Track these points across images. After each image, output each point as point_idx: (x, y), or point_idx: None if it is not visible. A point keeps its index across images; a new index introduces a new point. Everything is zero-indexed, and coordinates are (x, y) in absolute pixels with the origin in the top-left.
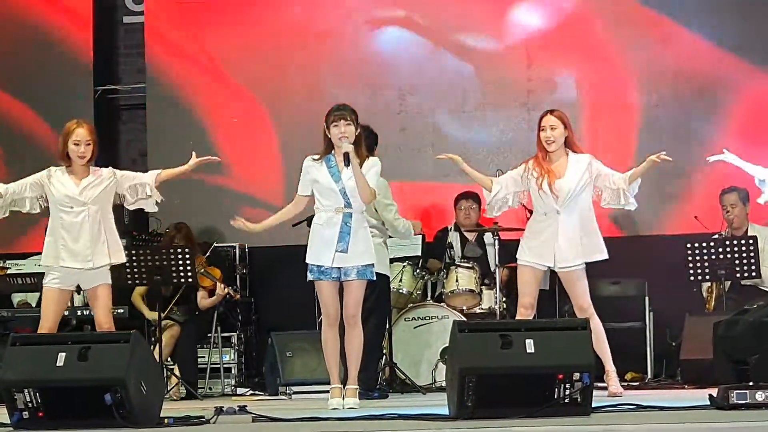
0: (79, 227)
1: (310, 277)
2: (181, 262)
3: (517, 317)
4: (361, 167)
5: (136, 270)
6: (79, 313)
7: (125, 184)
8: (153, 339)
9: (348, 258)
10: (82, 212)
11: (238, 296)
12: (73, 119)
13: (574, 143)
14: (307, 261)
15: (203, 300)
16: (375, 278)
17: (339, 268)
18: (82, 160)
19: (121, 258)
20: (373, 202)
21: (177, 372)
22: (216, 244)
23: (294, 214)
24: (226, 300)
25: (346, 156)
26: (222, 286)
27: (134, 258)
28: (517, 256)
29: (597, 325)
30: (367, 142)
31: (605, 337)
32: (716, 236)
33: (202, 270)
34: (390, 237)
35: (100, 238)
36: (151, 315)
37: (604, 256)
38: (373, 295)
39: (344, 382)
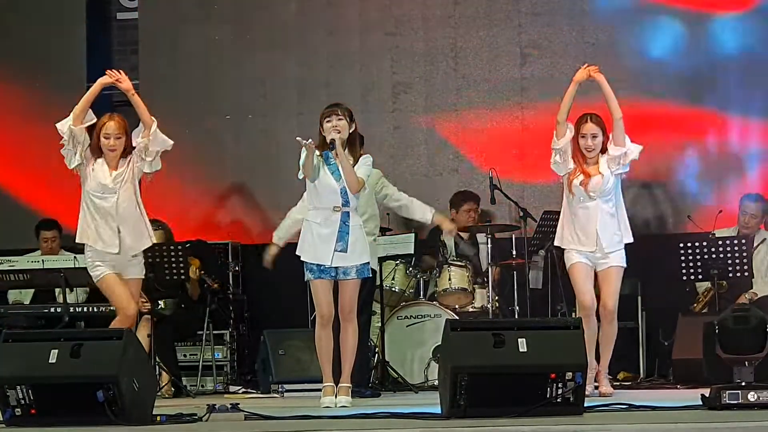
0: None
1: (309, 276)
2: (174, 260)
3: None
4: (354, 165)
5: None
6: (71, 309)
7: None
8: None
9: (347, 257)
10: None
11: (215, 285)
12: (107, 113)
13: (607, 147)
14: (304, 259)
15: (191, 288)
16: (371, 275)
17: (337, 267)
18: (113, 152)
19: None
20: (363, 193)
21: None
22: (208, 241)
23: (309, 171)
24: (209, 291)
25: (332, 143)
26: (197, 270)
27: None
28: (564, 251)
29: (607, 329)
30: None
31: (612, 342)
32: (709, 236)
33: None
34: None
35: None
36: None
37: (631, 239)
38: (364, 290)
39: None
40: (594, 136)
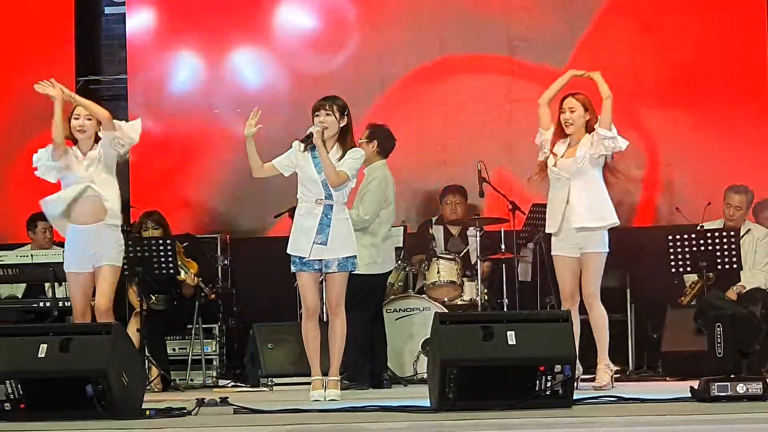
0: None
1: (293, 268)
2: (162, 253)
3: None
4: (343, 155)
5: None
6: (60, 304)
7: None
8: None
9: (327, 250)
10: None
11: (213, 296)
12: None
13: (593, 126)
14: (288, 251)
15: (185, 288)
16: (356, 269)
17: (320, 260)
18: (82, 134)
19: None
20: (349, 187)
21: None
22: (197, 235)
23: (253, 168)
24: (202, 296)
25: (309, 137)
26: (193, 276)
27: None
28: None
29: (595, 317)
30: (381, 145)
31: (603, 331)
32: (698, 228)
33: (180, 262)
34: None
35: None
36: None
37: (616, 221)
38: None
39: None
40: (572, 110)
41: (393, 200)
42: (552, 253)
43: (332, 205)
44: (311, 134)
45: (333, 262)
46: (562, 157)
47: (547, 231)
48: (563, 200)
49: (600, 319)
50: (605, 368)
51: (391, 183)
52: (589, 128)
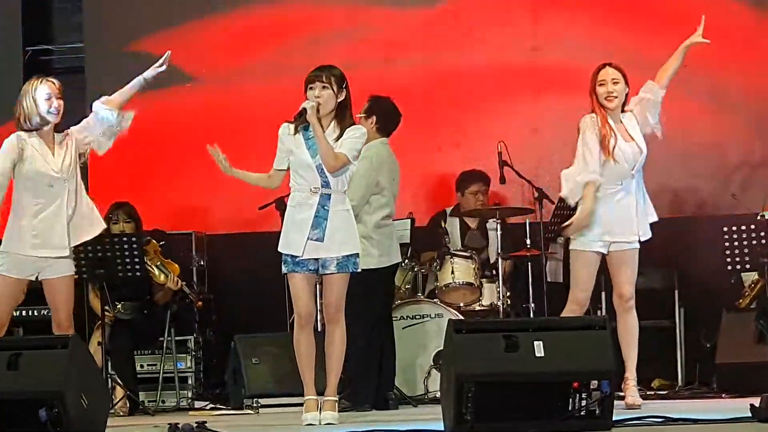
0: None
1: (284, 269)
2: (127, 252)
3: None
4: (341, 135)
5: (75, 263)
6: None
7: (83, 137)
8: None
9: (324, 248)
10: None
11: (200, 303)
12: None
13: (628, 102)
14: (279, 249)
15: (160, 295)
16: (359, 269)
17: (316, 259)
18: (58, 116)
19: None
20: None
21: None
22: (167, 231)
23: (267, 186)
24: (183, 300)
25: (302, 113)
26: (176, 280)
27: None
28: (572, 240)
29: (628, 323)
30: (381, 121)
31: (636, 338)
32: (758, 217)
33: (158, 262)
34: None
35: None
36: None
37: (655, 217)
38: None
39: (322, 392)
40: (615, 81)
41: (391, 185)
42: (576, 248)
43: (330, 195)
44: (304, 110)
45: (331, 262)
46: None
47: (628, 241)
48: (630, 204)
49: (636, 327)
50: (633, 383)
51: (387, 165)
52: (623, 108)
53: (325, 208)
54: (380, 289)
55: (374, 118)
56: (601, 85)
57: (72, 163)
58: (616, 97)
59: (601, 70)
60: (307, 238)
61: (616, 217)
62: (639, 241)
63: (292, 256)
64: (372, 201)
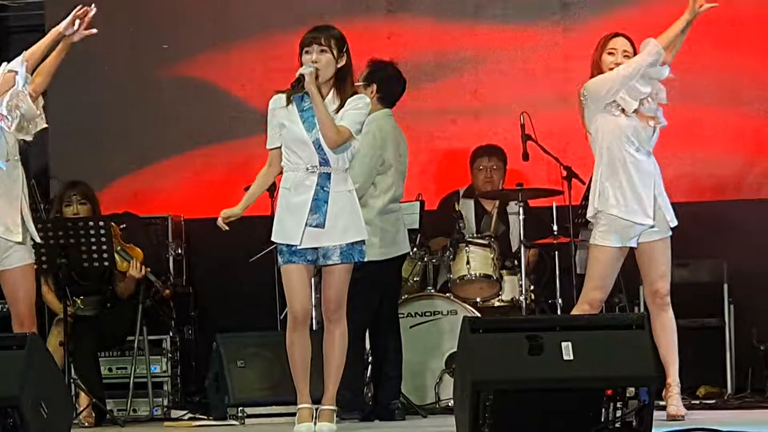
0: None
1: (280, 260)
2: (94, 239)
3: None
4: (341, 106)
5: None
6: None
7: None
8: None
9: (326, 234)
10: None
11: (168, 291)
12: None
13: None
14: (272, 239)
15: (122, 285)
16: (365, 259)
17: (316, 248)
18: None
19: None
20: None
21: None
22: (139, 216)
23: (273, 177)
24: (149, 289)
25: (299, 80)
26: (139, 266)
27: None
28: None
29: (670, 321)
30: (384, 89)
31: (676, 339)
32: None
33: (119, 248)
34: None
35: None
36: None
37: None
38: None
39: (318, 400)
40: (626, 54)
41: (398, 163)
42: (598, 243)
43: (329, 174)
44: (302, 77)
45: (334, 251)
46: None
47: (639, 222)
48: (650, 179)
49: (674, 326)
50: (677, 390)
51: (391, 140)
52: None
53: (325, 189)
54: (378, 285)
55: (375, 86)
56: (610, 53)
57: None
58: None
59: (613, 38)
60: (306, 224)
61: (643, 191)
62: (671, 228)
63: (288, 246)
64: (377, 182)
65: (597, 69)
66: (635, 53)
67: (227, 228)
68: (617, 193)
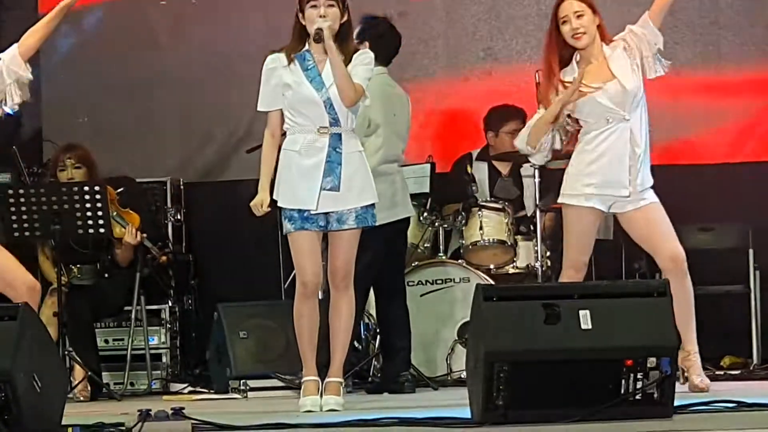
0: None
1: (288, 227)
2: (89, 204)
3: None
4: (346, 63)
5: (25, 217)
6: None
7: None
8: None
9: (342, 198)
10: None
11: (164, 258)
12: None
13: (606, 33)
14: (281, 205)
15: (121, 252)
16: (376, 223)
17: (327, 213)
18: None
19: None
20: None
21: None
22: (136, 180)
23: (278, 141)
24: (149, 260)
25: (318, 33)
26: (135, 232)
27: (22, 200)
28: (562, 192)
29: (687, 289)
30: (377, 46)
31: (693, 307)
32: None
33: (114, 213)
34: None
35: None
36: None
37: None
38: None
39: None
40: (579, 15)
41: (390, 123)
42: (567, 202)
43: (341, 134)
44: (320, 31)
45: (349, 215)
46: (594, 86)
47: (618, 194)
48: (625, 152)
49: (690, 292)
50: (697, 360)
51: (379, 98)
52: (603, 36)
53: (338, 150)
54: (378, 251)
55: (367, 44)
56: (564, 22)
57: None
58: (584, 33)
59: (560, 5)
60: (321, 188)
61: (608, 165)
62: (653, 191)
63: (300, 211)
64: (364, 143)
65: (558, 43)
66: (592, 7)
67: (269, 209)
68: None
